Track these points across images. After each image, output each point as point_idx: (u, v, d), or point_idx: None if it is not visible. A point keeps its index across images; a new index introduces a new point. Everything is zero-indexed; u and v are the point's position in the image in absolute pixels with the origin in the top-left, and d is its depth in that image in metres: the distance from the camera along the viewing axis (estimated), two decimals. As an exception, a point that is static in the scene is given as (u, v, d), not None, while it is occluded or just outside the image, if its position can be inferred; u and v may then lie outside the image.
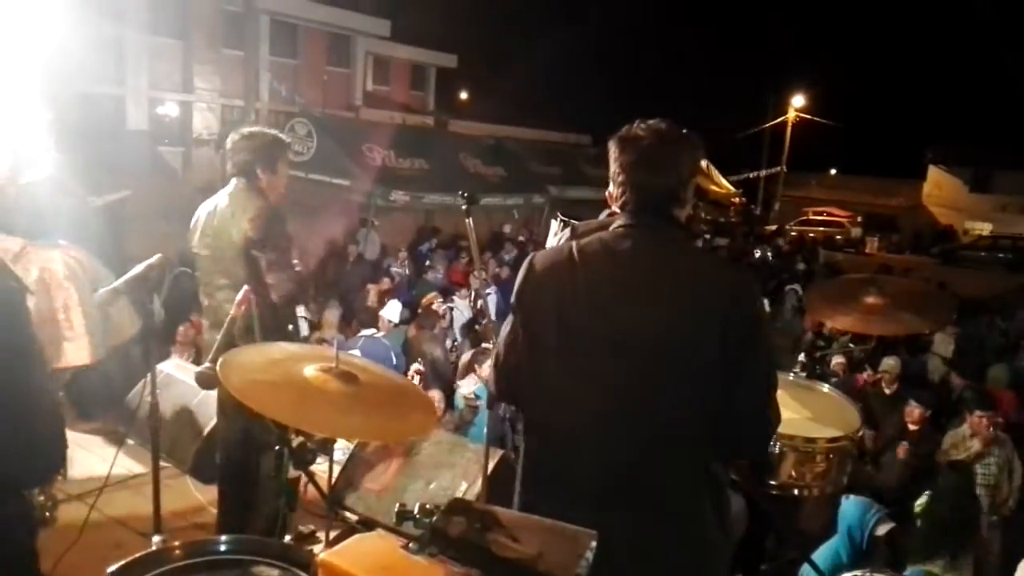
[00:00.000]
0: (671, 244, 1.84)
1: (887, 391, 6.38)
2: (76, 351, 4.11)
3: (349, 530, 3.44)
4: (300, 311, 7.15)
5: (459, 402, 5.70)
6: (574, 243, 1.89)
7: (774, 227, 25.54)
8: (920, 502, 3.90)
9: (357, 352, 5.98)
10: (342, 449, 4.31)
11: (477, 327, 8.08)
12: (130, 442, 4.11)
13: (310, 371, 1.76)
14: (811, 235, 27.46)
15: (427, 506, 1.50)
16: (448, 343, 7.72)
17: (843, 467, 2.63)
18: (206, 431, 4.24)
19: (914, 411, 5.69)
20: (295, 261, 3.29)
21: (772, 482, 2.54)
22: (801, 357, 3.48)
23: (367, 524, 3.61)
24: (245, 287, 2.51)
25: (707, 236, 2.57)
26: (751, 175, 31.13)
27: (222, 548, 1.52)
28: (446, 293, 8.86)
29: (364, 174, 12.86)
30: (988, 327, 10.20)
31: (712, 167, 2.56)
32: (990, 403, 5.46)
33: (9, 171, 4.08)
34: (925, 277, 12.76)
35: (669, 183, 1.84)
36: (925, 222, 34.93)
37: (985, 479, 5.14)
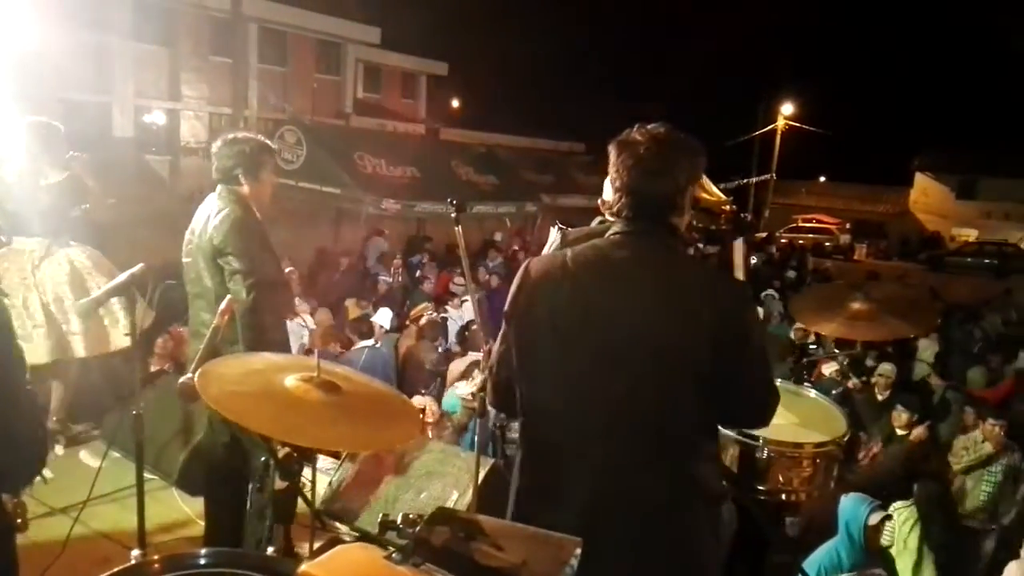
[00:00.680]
0: (666, 252, 1.83)
1: (879, 397, 6.41)
2: (117, 335, 4.20)
3: (332, 541, 3.41)
4: (301, 320, 7.16)
5: (455, 405, 5.68)
6: (568, 250, 1.88)
7: (764, 234, 25.66)
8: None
9: (359, 364, 6.00)
10: (331, 460, 4.29)
11: (467, 332, 8.09)
12: (115, 454, 4.06)
13: (291, 381, 1.74)
14: (800, 242, 27.62)
15: (410, 516, 1.49)
16: (440, 350, 7.72)
17: (830, 472, 2.65)
18: (192, 443, 4.20)
19: (901, 415, 5.73)
20: (289, 268, 3.25)
21: (760, 487, 2.55)
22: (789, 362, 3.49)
23: (360, 535, 3.58)
24: (228, 297, 2.49)
25: (699, 244, 2.58)
26: (741, 182, 31.30)
27: (202, 561, 1.50)
28: (439, 302, 8.88)
29: (354, 182, 12.84)
30: (971, 331, 10.26)
31: (703, 175, 2.57)
32: (980, 403, 5.54)
33: (30, 174, 4.13)
34: (914, 283, 12.86)
35: (666, 189, 1.81)
36: (912, 228, 35.21)
37: (989, 485, 5.18)
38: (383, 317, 7.29)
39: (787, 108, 33.64)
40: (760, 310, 7.46)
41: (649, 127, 1.83)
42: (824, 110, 36.49)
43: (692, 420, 1.78)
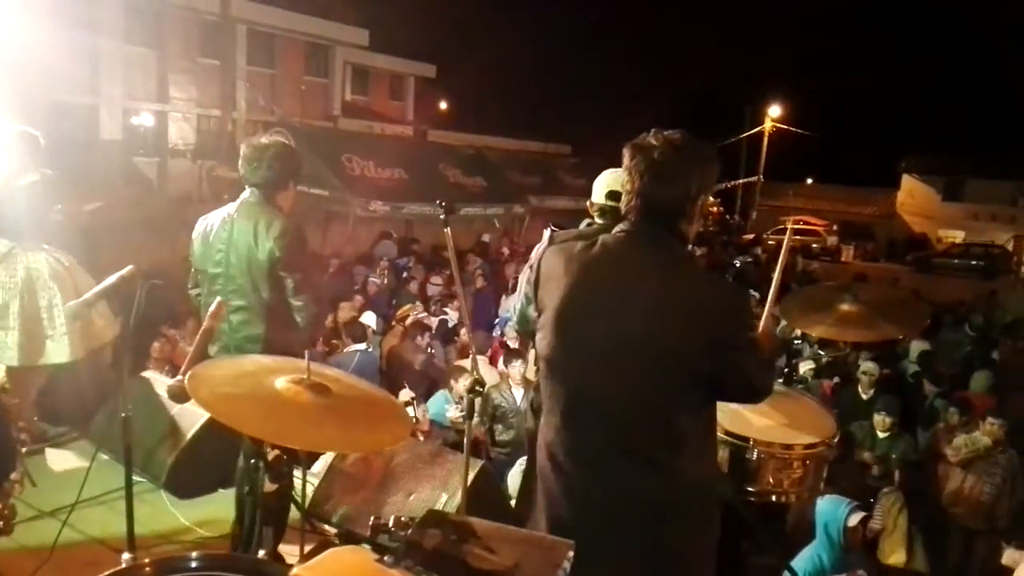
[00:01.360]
0: (668, 256, 1.83)
1: (864, 396, 6.45)
2: (57, 349, 4.12)
3: (324, 544, 3.40)
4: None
5: (448, 409, 5.68)
6: (579, 244, 1.89)
7: (752, 236, 25.78)
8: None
9: (351, 367, 6.01)
10: (321, 461, 4.27)
11: (456, 337, 8.11)
12: (103, 456, 4.03)
13: (281, 383, 1.73)
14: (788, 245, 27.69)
15: (402, 519, 1.49)
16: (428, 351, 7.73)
17: (819, 473, 2.66)
18: (181, 445, 4.18)
19: (885, 420, 5.82)
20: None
21: (750, 488, 2.56)
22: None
23: (347, 537, 3.57)
24: (218, 299, 2.47)
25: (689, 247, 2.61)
26: (729, 185, 31.48)
27: (193, 565, 1.49)
28: (427, 302, 8.92)
29: (343, 184, 12.81)
30: (959, 333, 10.34)
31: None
32: (968, 408, 5.59)
33: (3, 176, 4.09)
34: (900, 286, 12.96)
35: (676, 196, 1.81)
36: (899, 230, 35.43)
37: (991, 487, 5.21)
38: (368, 319, 7.41)
39: (775, 110, 33.85)
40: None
41: (666, 132, 1.83)
42: (811, 112, 36.82)
43: (689, 421, 1.80)
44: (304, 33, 24.51)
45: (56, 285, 4.16)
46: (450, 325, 8.56)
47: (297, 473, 3.00)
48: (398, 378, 6.77)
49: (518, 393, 5.60)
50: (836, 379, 7.00)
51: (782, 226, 32.24)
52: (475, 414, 3.70)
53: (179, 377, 2.17)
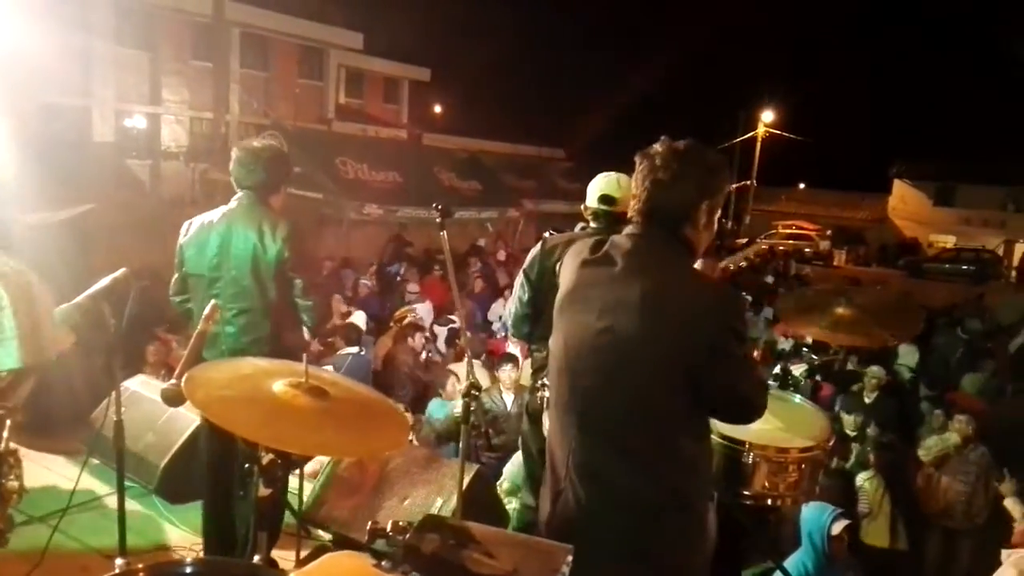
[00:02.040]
0: (668, 259, 1.85)
1: (866, 400, 6.47)
2: (5, 355, 4.03)
3: (320, 549, 3.38)
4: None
5: (438, 412, 5.67)
6: (589, 241, 1.95)
7: (744, 240, 25.81)
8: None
9: (343, 369, 6.01)
10: (316, 465, 4.25)
11: (457, 340, 8.10)
12: (95, 461, 4.01)
13: (279, 386, 1.72)
14: (781, 248, 27.82)
15: (400, 523, 1.48)
16: (424, 355, 7.73)
17: (815, 477, 2.65)
18: (173, 450, 4.15)
19: (856, 420, 5.88)
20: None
21: (746, 492, 2.55)
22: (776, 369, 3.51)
23: (341, 543, 3.55)
24: (213, 302, 2.46)
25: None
26: (721, 189, 31.50)
27: (188, 570, 1.48)
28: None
29: (337, 187, 12.79)
30: (951, 337, 10.36)
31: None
32: (954, 407, 5.62)
33: None
34: (892, 290, 13.00)
35: (677, 200, 1.86)
36: (891, 235, 35.59)
37: (965, 484, 5.23)
38: (357, 319, 7.50)
39: (767, 115, 33.96)
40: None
41: (673, 141, 1.89)
42: (804, 117, 36.92)
43: (684, 425, 1.82)
44: (298, 36, 24.47)
45: (1, 285, 4.10)
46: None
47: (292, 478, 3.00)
48: (391, 381, 6.78)
49: (508, 398, 5.59)
50: (819, 378, 6.99)
51: (772, 231, 32.42)
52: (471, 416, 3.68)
53: (173, 380, 2.16)
